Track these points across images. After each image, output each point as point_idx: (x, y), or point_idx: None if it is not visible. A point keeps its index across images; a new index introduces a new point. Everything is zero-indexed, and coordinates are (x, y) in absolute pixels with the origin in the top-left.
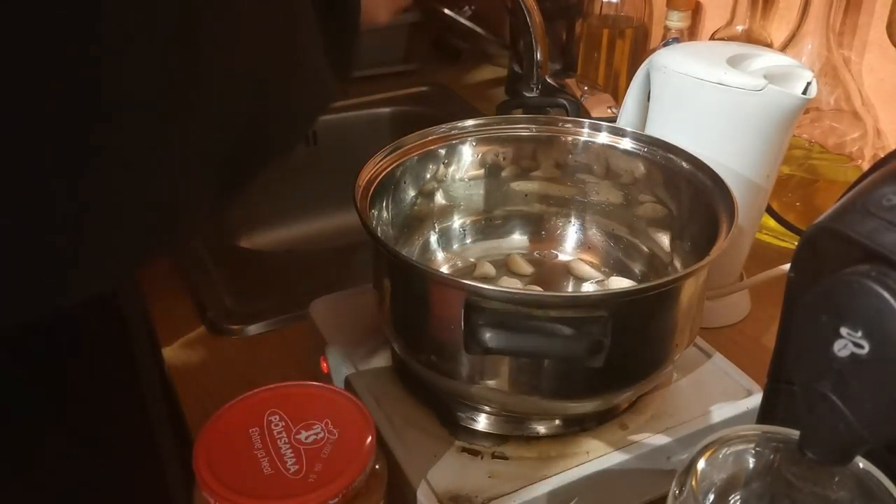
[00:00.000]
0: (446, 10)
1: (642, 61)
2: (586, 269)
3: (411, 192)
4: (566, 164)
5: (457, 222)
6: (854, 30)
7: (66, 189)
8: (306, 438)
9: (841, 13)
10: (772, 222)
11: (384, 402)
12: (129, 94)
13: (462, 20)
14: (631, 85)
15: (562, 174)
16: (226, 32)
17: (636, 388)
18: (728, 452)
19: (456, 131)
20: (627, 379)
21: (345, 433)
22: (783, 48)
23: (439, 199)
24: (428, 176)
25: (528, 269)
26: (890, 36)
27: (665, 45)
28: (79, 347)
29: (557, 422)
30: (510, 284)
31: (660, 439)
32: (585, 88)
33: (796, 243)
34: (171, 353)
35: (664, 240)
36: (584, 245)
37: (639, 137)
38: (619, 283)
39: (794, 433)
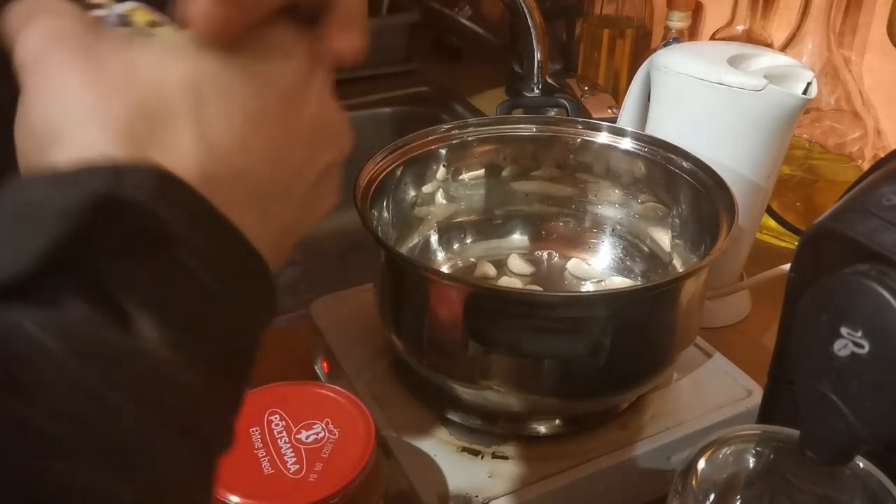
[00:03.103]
0: (446, 10)
1: (643, 61)
2: (586, 269)
3: (411, 192)
4: (566, 164)
5: (457, 222)
6: (854, 30)
7: None
8: (307, 438)
9: (841, 13)
10: (772, 222)
11: (384, 402)
12: None
13: (462, 20)
14: (631, 85)
15: (562, 174)
16: None
17: (636, 388)
18: (728, 452)
19: (456, 131)
20: (628, 379)
21: (345, 433)
22: (783, 48)
23: (439, 199)
24: (428, 176)
25: (528, 269)
26: (890, 36)
27: (665, 45)
28: None
29: (557, 422)
30: (510, 284)
31: (660, 439)
32: (586, 88)
33: (796, 243)
34: None
35: (664, 240)
36: (584, 245)
37: (639, 137)
38: (619, 283)
39: (794, 433)
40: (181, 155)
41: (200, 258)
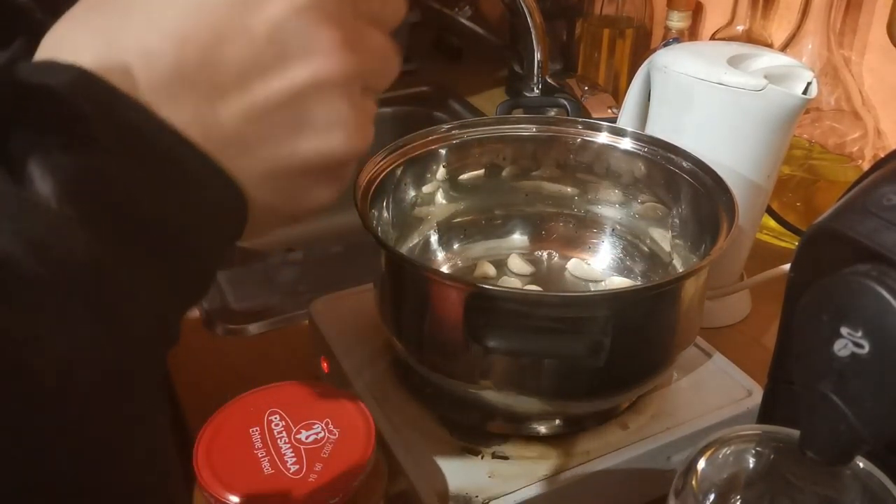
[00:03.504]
0: (446, 10)
1: (643, 61)
2: (586, 269)
3: (411, 192)
4: (566, 164)
5: (457, 222)
6: (854, 30)
7: None
8: (306, 438)
9: (841, 13)
10: (772, 222)
11: (384, 402)
12: None
13: (462, 20)
14: (631, 85)
15: (562, 174)
16: None
17: (636, 388)
18: (728, 452)
19: (456, 131)
20: (628, 379)
21: (345, 433)
22: (783, 48)
23: (439, 199)
24: (428, 176)
25: (528, 269)
26: (890, 36)
27: (665, 45)
28: None
29: (557, 422)
30: (510, 284)
31: (660, 439)
32: (586, 88)
33: (796, 243)
34: (172, 353)
35: (664, 240)
36: (584, 245)
37: (639, 137)
38: (619, 283)
39: (795, 433)
40: (84, 35)
41: (89, 125)
